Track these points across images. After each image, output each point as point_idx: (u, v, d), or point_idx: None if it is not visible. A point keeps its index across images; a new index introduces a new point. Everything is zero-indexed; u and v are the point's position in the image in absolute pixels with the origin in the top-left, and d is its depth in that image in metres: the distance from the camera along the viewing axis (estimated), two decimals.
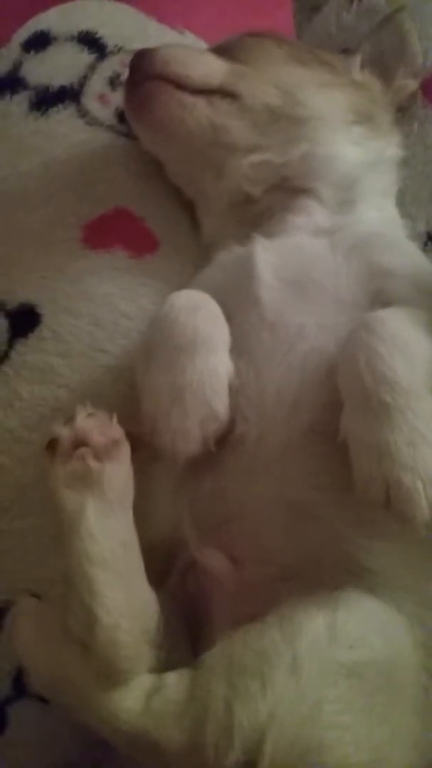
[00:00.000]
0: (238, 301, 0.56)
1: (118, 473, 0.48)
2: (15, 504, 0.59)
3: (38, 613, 0.50)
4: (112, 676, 0.45)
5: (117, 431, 0.49)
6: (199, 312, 0.54)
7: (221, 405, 0.51)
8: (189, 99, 0.62)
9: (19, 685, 0.57)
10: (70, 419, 0.49)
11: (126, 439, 0.49)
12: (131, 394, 0.61)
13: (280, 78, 0.64)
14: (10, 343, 0.64)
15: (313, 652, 0.44)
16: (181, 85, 0.62)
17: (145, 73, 0.63)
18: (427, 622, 0.48)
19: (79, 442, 0.48)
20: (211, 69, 0.63)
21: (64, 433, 0.49)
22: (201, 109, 0.62)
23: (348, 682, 0.44)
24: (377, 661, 0.45)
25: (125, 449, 0.49)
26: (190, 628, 0.51)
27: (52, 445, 0.48)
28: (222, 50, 0.66)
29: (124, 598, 0.45)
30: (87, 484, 0.47)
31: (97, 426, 0.49)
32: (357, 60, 0.71)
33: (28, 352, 0.63)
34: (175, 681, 0.46)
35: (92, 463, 0.47)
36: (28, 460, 0.60)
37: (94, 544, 0.46)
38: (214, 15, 0.99)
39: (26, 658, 0.49)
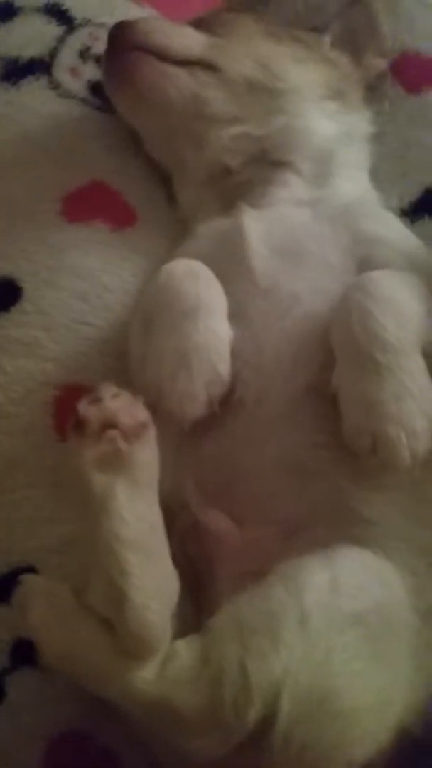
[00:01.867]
0: (229, 270, 0.57)
1: (147, 455, 0.48)
2: (6, 478, 0.59)
3: (48, 591, 0.50)
4: (141, 652, 0.46)
5: (144, 413, 0.48)
6: (200, 279, 0.55)
7: (225, 368, 0.53)
8: (171, 69, 0.62)
9: (17, 655, 0.57)
10: (96, 399, 0.48)
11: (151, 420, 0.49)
12: (119, 366, 0.62)
13: (258, 52, 0.65)
14: None
15: (318, 605, 0.46)
16: (161, 56, 0.63)
17: (125, 44, 0.63)
18: (418, 570, 0.51)
19: (107, 424, 0.47)
20: (190, 41, 0.64)
21: (92, 413, 0.48)
22: (183, 79, 0.63)
23: (353, 630, 0.46)
24: (378, 608, 0.47)
25: (152, 431, 0.49)
26: (191, 590, 0.52)
27: (79, 425, 0.48)
28: (200, 24, 0.67)
29: (153, 579, 0.46)
30: (116, 467, 0.47)
31: (125, 407, 0.48)
32: (327, 38, 0.73)
33: (10, 326, 0.63)
34: (186, 647, 0.47)
35: (122, 446, 0.47)
36: (16, 434, 0.60)
37: (125, 526, 0.46)
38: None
39: (39, 635, 0.49)
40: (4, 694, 0.57)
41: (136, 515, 0.46)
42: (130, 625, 0.45)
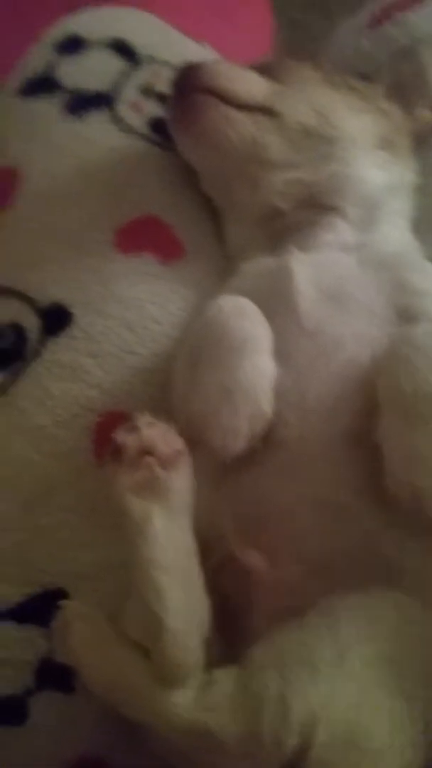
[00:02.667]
0: (275, 310, 0.58)
1: (182, 482, 0.50)
2: (45, 498, 0.60)
3: (88, 616, 0.52)
4: (175, 677, 0.47)
5: (179, 442, 0.51)
6: (247, 316, 0.56)
7: (267, 404, 0.54)
8: (234, 114, 0.65)
9: (42, 676, 0.57)
10: (132, 428, 0.50)
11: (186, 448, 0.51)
12: (161, 395, 0.63)
13: (316, 100, 0.68)
14: (42, 341, 0.65)
15: (356, 645, 0.47)
16: (227, 99, 0.65)
17: (192, 86, 0.66)
18: None
19: (145, 451, 0.49)
20: (254, 86, 0.66)
21: (130, 441, 0.50)
22: (244, 124, 0.65)
23: (388, 669, 0.47)
24: (411, 649, 0.48)
25: (187, 459, 0.50)
26: (220, 623, 0.53)
27: (116, 452, 0.50)
28: (262, 69, 0.69)
29: (188, 604, 0.47)
30: (153, 493, 0.49)
31: (162, 436, 0.50)
32: (380, 88, 0.75)
33: (59, 350, 0.64)
34: (225, 676, 0.48)
35: (159, 473, 0.49)
36: (58, 457, 0.61)
37: (161, 550, 0.47)
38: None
39: (80, 660, 0.50)
40: (26, 715, 0.57)
41: (172, 540, 0.48)
42: (164, 649, 0.46)
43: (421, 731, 0.49)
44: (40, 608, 0.57)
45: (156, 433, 0.50)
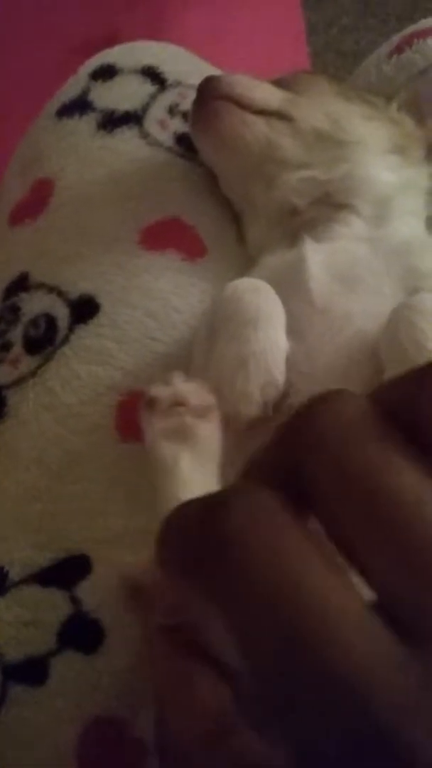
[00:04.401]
0: (290, 292, 0.62)
1: (211, 432, 0.53)
2: (70, 470, 0.64)
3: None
4: None
5: (210, 397, 0.54)
6: (261, 294, 0.60)
7: (280, 374, 0.57)
8: (250, 117, 0.70)
9: (63, 637, 0.60)
10: (167, 383, 0.55)
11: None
12: None
13: (329, 108, 0.73)
14: (71, 328, 0.70)
15: None
16: (243, 105, 0.70)
17: (212, 94, 0.71)
18: None
19: (177, 403, 0.53)
20: (270, 94, 0.72)
21: (165, 392, 0.54)
22: (260, 126, 0.70)
23: None
24: None
25: (216, 413, 0.54)
26: None
27: (151, 403, 0.54)
28: (280, 82, 0.75)
29: None
30: (182, 438, 0.52)
31: (194, 390, 0.54)
32: (395, 103, 0.79)
33: (87, 336, 0.69)
34: None
35: (189, 420, 0.52)
36: (83, 433, 0.65)
37: (186, 490, 0.50)
38: None
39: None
40: (47, 675, 0.59)
41: (198, 483, 0.51)
42: None
43: None
44: (63, 572, 0.60)
45: (189, 388, 0.54)
